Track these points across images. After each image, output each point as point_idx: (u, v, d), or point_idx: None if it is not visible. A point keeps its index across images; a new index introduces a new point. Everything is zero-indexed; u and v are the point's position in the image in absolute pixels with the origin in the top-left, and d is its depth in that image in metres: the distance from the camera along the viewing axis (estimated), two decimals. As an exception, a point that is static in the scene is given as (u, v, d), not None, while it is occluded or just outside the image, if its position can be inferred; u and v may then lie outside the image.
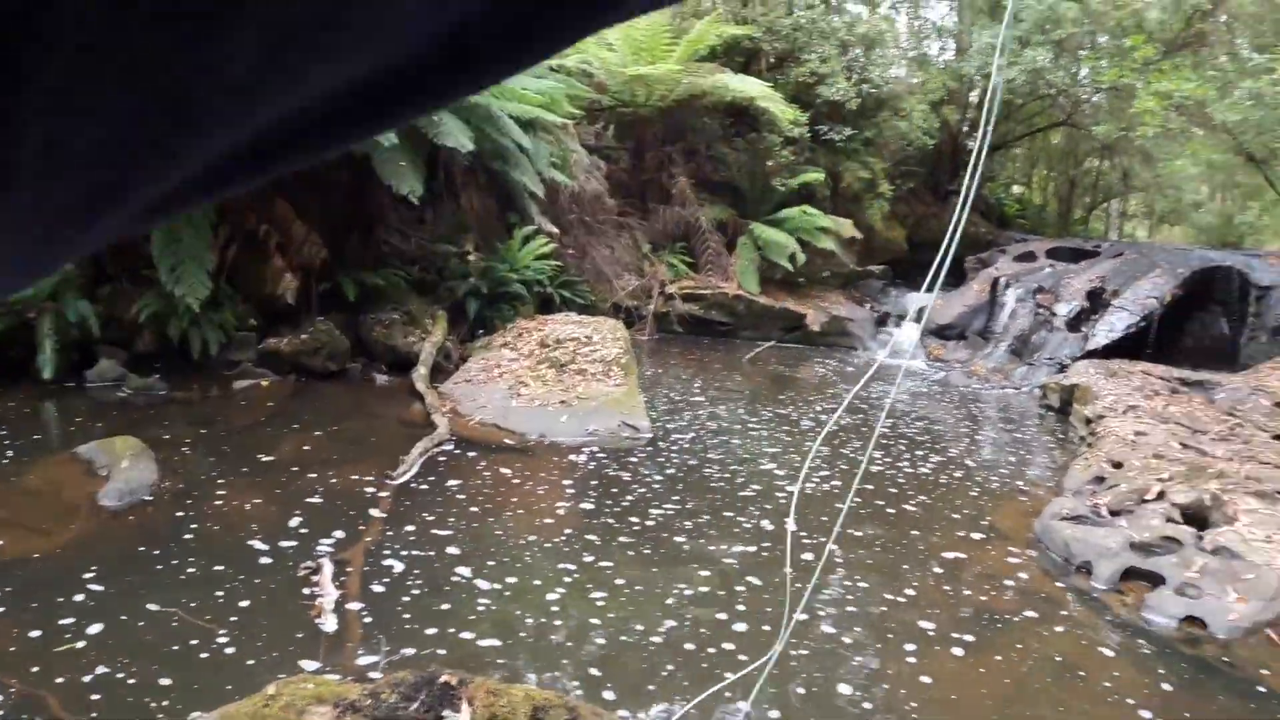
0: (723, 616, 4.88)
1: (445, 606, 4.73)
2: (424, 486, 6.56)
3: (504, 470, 7.12)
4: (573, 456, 7.67)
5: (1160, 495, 7.00)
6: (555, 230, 12.71)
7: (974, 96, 22.59)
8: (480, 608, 4.75)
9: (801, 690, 4.34)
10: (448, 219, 11.70)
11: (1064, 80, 19.83)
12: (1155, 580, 5.86)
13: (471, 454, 7.50)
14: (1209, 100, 14.30)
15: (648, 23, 15.27)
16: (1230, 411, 10.27)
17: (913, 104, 19.81)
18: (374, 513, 5.98)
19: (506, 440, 7.97)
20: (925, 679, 4.48)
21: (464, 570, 5.17)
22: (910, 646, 4.80)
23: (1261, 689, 4.77)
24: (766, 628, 4.73)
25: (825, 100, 17.04)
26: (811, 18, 17.41)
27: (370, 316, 10.14)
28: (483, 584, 5.01)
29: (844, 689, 4.33)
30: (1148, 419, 9.58)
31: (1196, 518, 6.75)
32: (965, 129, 22.92)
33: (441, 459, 7.27)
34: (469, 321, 11.04)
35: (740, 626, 4.78)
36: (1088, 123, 22.49)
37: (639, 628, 4.69)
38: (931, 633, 5.00)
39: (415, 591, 4.89)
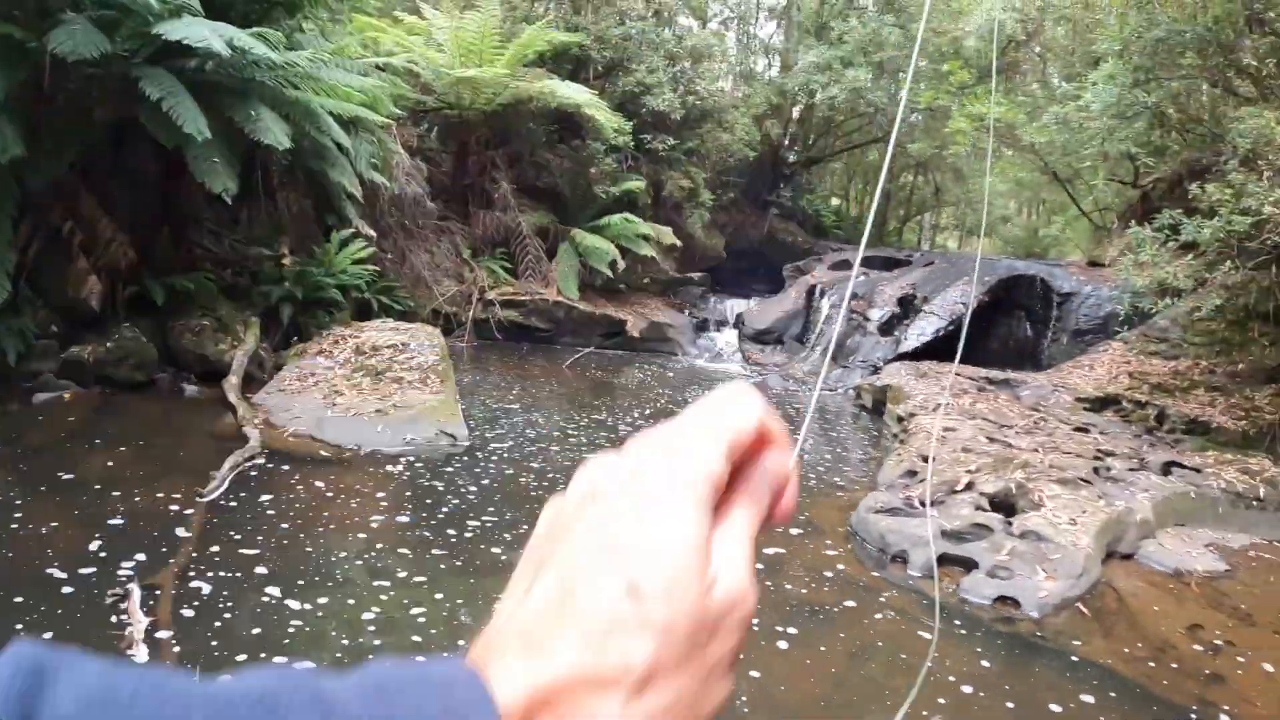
0: None
1: (256, 631, 4.52)
2: (234, 503, 6.21)
3: (318, 484, 6.87)
4: (389, 467, 7.49)
5: (969, 486, 7.46)
6: (373, 234, 12.42)
7: (796, 111, 23.55)
8: (292, 630, 4.57)
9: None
10: (263, 220, 11.20)
11: (883, 100, 20.93)
12: (968, 565, 6.22)
13: (285, 467, 7.21)
14: (1019, 123, 15.40)
15: (478, 25, 15.21)
16: (1035, 407, 11.15)
17: (736, 117, 20.46)
18: (183, 533, 5.65)
19: (322, 452, 7.72)
20: (754, 674, 4.60)
21: (274, 590, 4.95)
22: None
23: (1074, 658, 5.16)
24: None
25: (651, 110, 17.36)
26: (642, 29, 17.71)
27: (180, 323, 9.58)
28: (294, 604, 4.81)
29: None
30: (956, 415, 10.31)
31: (1004, 505, 7.23)
32: (786, 142, 23.86)
33: (254, 473, 6.95)
34: (283, 328, 10.60)
35: None
36: (905, 140, 23.82)
37: (462, 643, 4.55)
38: (756, 627, 5.11)
39: (226, 615, 4.64)
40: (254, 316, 10.26)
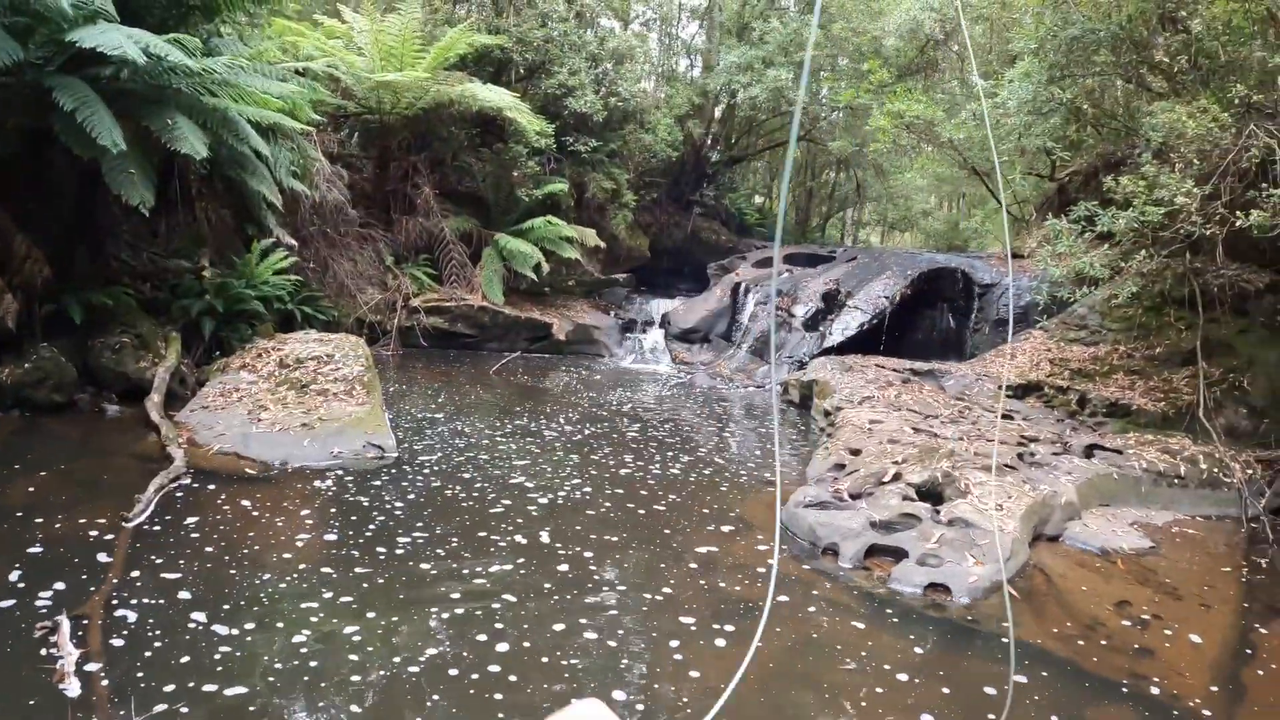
0: (483, 638, 4.80)
1: (185, 659, 4.35)
2: (158, 527, 5.97)
3: (244, 503, 6.68)
4: (317, 483, 7.32)
5: (896, 477, 7.58)
6: (294, 243, 12.16)
7: (719, 111, 23.71)
8: (219, 656, 4.41)
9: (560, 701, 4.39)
10: (182, 231, 10.88)
11: (805, 98, 21.16)
12: (898, 555, 6.30)
13: (211, 487, 7.02)
14: (937, 120, 15.67)
15: (399, 27, 15.02)
16: (959, 396, 11.35)
17: (659, 118, 20.54)
18: (106, 559, 5.43)
19: (248, 469, 7.53)
20: (694, 673, 4.60)
21: (200, 616, 4.80)
22: (674, 643, 4.93)
23: (1005, 640, 5.15)
24: (528, 644, 4.74)
25: (573, 112, 17.33)
26: (564, 31, 17.65)
27: (99, 340, 9.26)
28: (221, 629, 4.66)
29: (619, 695, 4.37)
30: (882, 408, 10.44)
31: (932, 494, 7.36)
32: (709, 141, 24.00)
33: (180, 494, 6.75)
34: (204, 343, 10.33)
35: (502, 646, 4.72)
36: (826, 138, 24.13)
37: (397, 660, 4.52)
38: (693, 627, 5.14)
39: (156, 644, 4.47)
40: (174, 331, 9.97)
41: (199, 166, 10.24)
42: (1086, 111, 12.56)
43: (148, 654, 4.43)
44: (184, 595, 5.09)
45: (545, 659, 4.67)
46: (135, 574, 5.31)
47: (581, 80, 17.39)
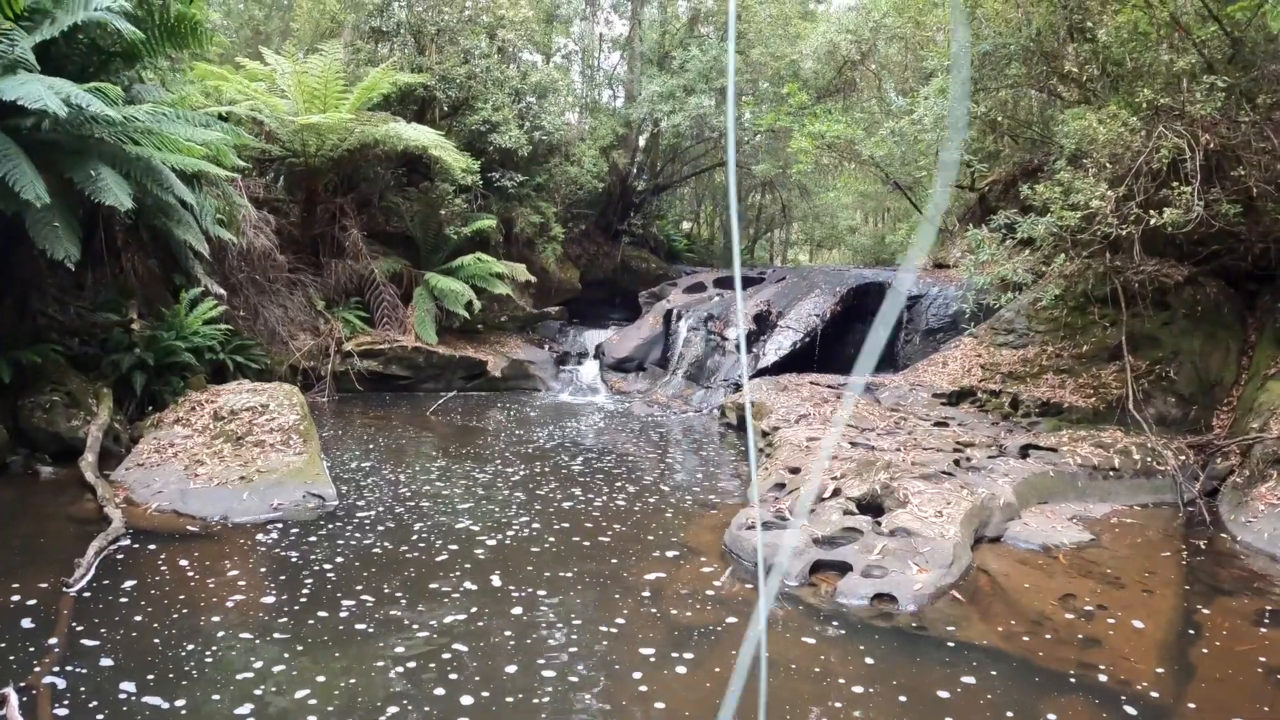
0: (441, 692, 4.65)
1: None
2: (93, 592, 5.76)
3: (183, 562, 6.47)
4: (259, 536, 7.12)
5: (836, 492, 7.66)
6: (223, 292, 11.95)
7: (643, 140, 23.93)
8: None
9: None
10: (109, 284, 10.62)
11: (726, 124, 21.42)
12: (843, 569, 6.35)
13: (151, 546, 6.78)
14: (857, 139, 16.00)
15: (321, 69, 14.93)
16: (894, 407, 11.51)
17: (583, 149, 20.67)
18: (48, 628, 5.20)
19: (188, 526, 7.31)
20: (659, 704, 4.55)
21: (129, 686, 4.57)
22: (637, 675, 4.89)
23: (951, 644, 5.34)
24: (486, 694, 4.63)
25: (498, 148, 17.36)
26: (486, 67, 17.70)
27: (29, 400, 9.00)
28: (158, 701, 4.43)
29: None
30: (818, 424, 10.56)
31: (872, 506, 7.46)
32: (634, 170, 24.19)
33: (120, 555, 6.54)
34: (137, 397, 10.08)
35: (466, 699, 4.58)
36: (749, 162, 24.44)
37: (352, 716, 4.38)
38: (653, 657, 5.12)
39: (100, 716, 4.24)
40: (106, 387, 9.72)
41: (124, 217, 10.04)
42: (1002, 122, 12.93)
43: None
44: (118, 664, 4.84)
45: (510, 703, 4.60)
46: (79, 642, 5.12)
47: (505, 115, 17.45)
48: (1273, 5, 8.42)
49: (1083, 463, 8.90)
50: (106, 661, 4.90)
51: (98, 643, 5.14)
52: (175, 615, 5.59)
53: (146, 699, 4.51)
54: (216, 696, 4.57)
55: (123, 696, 4.53)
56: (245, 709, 4.44)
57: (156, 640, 5.22)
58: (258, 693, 4.66)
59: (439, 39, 17.68)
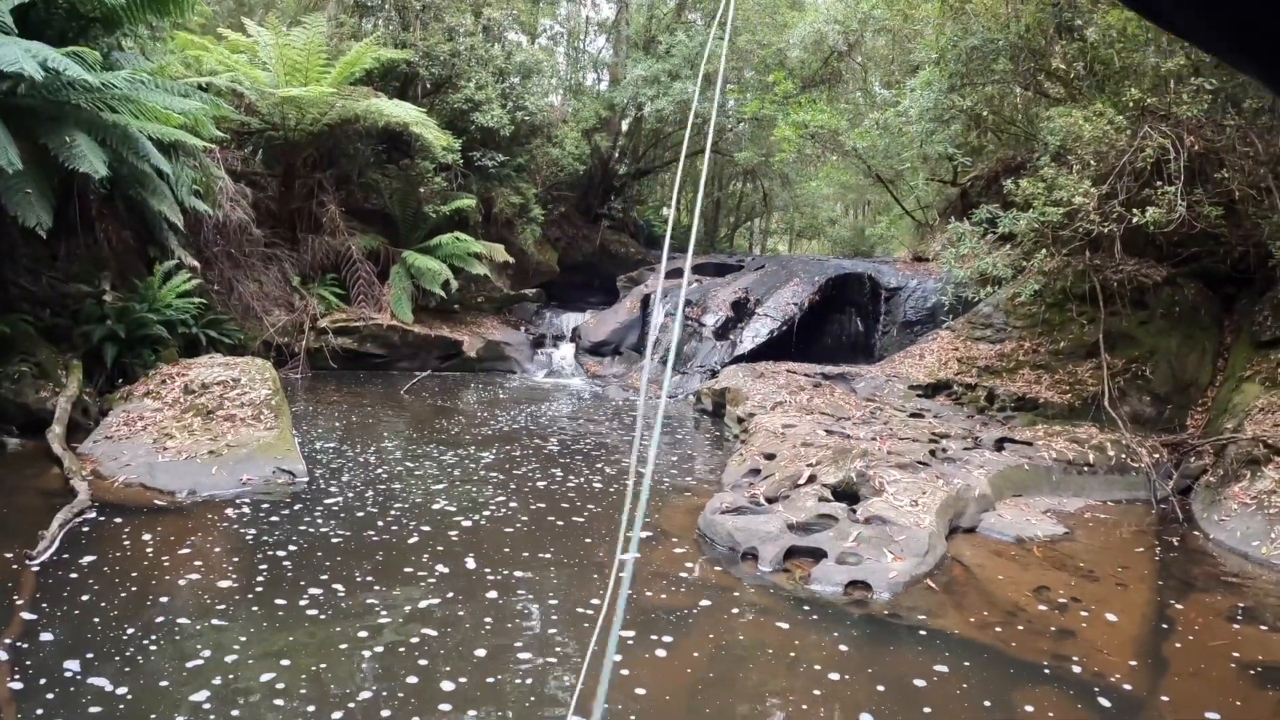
0: (414, 680, 4.50)
1: (96, 710, 4.04)
2: (53, 566, 5.67)
3: (151, 537, 6.35)
4: (228, 511, 7.02)
5: (811, 479, 7.64)
6: (197, 264, 11.72)
7: (625, 124, 23.83)
8: (124, 708, 4.10)
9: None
10: (82, 254, 10.41)
11: (710, 110, 21.33)
12: (817, 555, 6.34)
13: (117, 520, 6.65)
14: (841, 129, 15.99)
15: (304, 42, 14.72)
16: (870, 397, 11.53)
17: (566, 131, 20.56)
18: (15, 599, 5.12)
19: (156, 501, 7.19)
20: (640, 690, 4.48)
21: (74, 665, 4.44)
22: (618, 657, 4.79)
23: (923, 632, 5.35)
24: (464, 680, 4.52)
25: (480, 127, 17.21)
26: (471, 45, 17.51)
27: None
28: (107, 684, 4.29)
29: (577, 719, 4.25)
30: (794, 412, 10.56)
31: (847, 494, 7.45)
32: (616, 155, 24.10)
33: (86, 529, 6.41)
34: (107, 370, 9.86)
35: (448, 685, 4.46)
36: (732, 149, 24.40)
37: (326, 709, 4.30)
38: (632, 641, 5.06)
39: (49, 696, 4.16)
40: (76, 359, 9.52)
41: (99, 186, 9.87)
42: (986, 118, 12.95)
43: (40, 712, 4.11)
44: (61, 641, 4.75)
45: (491, 682, 4.55)
46: (39, 616, 5.00)
47: (489, 95, 17.30)
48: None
49: (1058, 457, 8.94)
50: (64, 641, 4.79)
51: (60, 623, 5.03)
52: (151, 589, 5.48)
53: (96, 680, 4.39)
54: (165, 683, 4.48)
55: (66, 676, 4.41)
56: (202, 695, 4.31)
57: (137, 614, 5.12)
58: (229, 662, 4.59)
59: (424, 15, 17.48)
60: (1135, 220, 8.95)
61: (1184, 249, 10.46)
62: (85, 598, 5.32)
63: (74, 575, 5.65)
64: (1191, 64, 9.77)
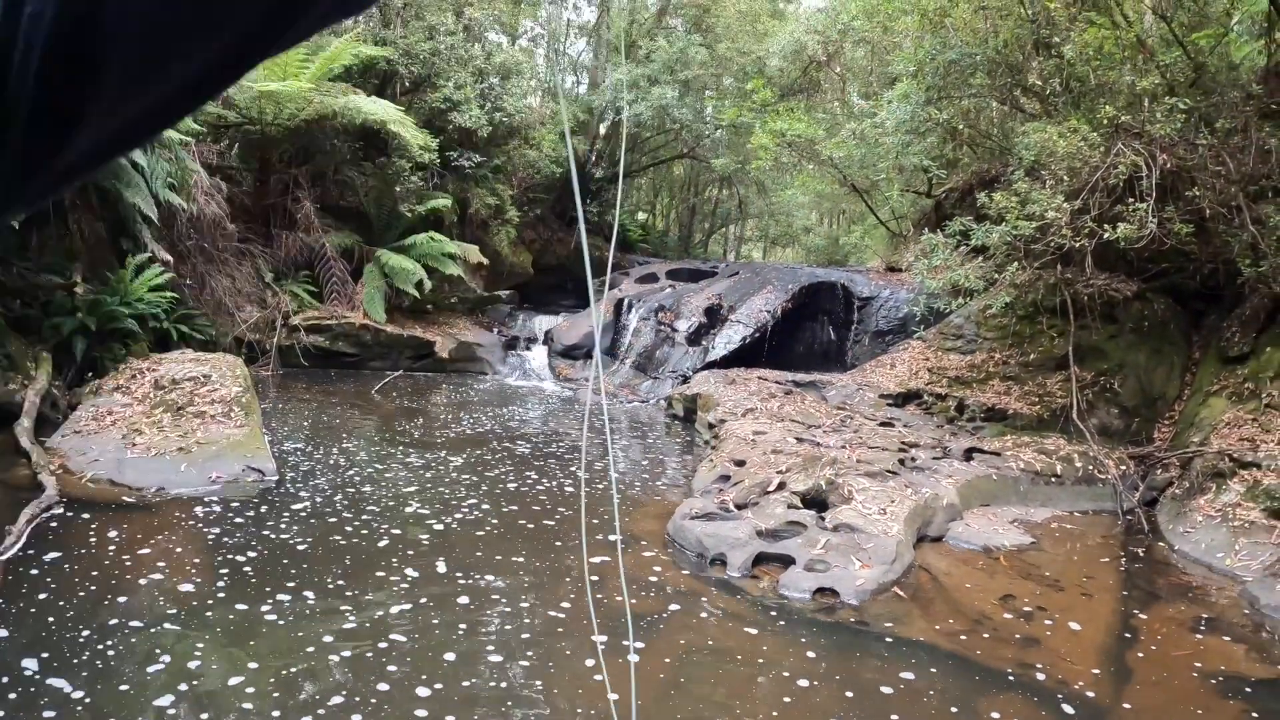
0: (384, 687, 4.46)
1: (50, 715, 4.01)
2: (22, 562, 5.64)
3: (118, 534, 6.28)
4: (197, 509, 6.98)
5: (781, 486, 7.69)
6: (170, 258, 11.62)
7: (603, 128, 23.84)
8: (81, 710, 4.07)
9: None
10: (54, 246, 10.34)
11: (688, 116, 21.48)
12: (786, 562, 6.39)
13: (85, 516, 6.59)
14: (818, 139, 16.07)
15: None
16: (841, 406, 11.58)
17: (543, 134, 20.52)
18: None
19: (124, 497, 7.14)
20: (613, 696, 4.37)
21: (31, 664, 4.40)
22: (590, 662, 4.83)
23: (890, 639, 5.40)
24: (440, 686, 4.50)
25: (458, 127, 17.13)
26: (451, 44, 17.45)
27: None
28: (67, 687, 4.24)
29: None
30: (765, 419, 10.60)
31: (816, 502, 7.50)
32: (593, 158, 24.11)
33: (53, 524, 6.34)
34: (77, 363, 9.79)
35: (423, 691, 4.45)
36: (708, 155, 24.47)
37: (293, 714, 4.28)
38: (604, 645, 5.09)
39: (11, 696, 4.12)
40: (45, 351, 9.42)
41: (73, 176, 9.72)
42: (962, 131, 13.07)
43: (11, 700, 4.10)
44: (19, 639, 4.72)
45: (467, 686, 4.55)
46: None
47: (467, 95, 17.24)
48: (1235, 35, 8.59)
49: (1025, 468, 9.04)
50: (22, 640, 4.76)
51: (21, 621, 4.99)
52: (115, 588, 5.44)
53: (55, 682, 4.35)
54: (126, 687, 4.45)
55: (25, 676, 4.39)
56: (169, 698, 4.28)
57: (99, 613, 5.08)
58: (193, 667, 4.56)
59: (405, 13, 17.41)
60: (1107, 236, 9.06)
61: (1154, 265, 10.60)
62: (43, 596, 5.26)
63: (35, 572, 5.59)
64: (1166, 83, 9.93)
